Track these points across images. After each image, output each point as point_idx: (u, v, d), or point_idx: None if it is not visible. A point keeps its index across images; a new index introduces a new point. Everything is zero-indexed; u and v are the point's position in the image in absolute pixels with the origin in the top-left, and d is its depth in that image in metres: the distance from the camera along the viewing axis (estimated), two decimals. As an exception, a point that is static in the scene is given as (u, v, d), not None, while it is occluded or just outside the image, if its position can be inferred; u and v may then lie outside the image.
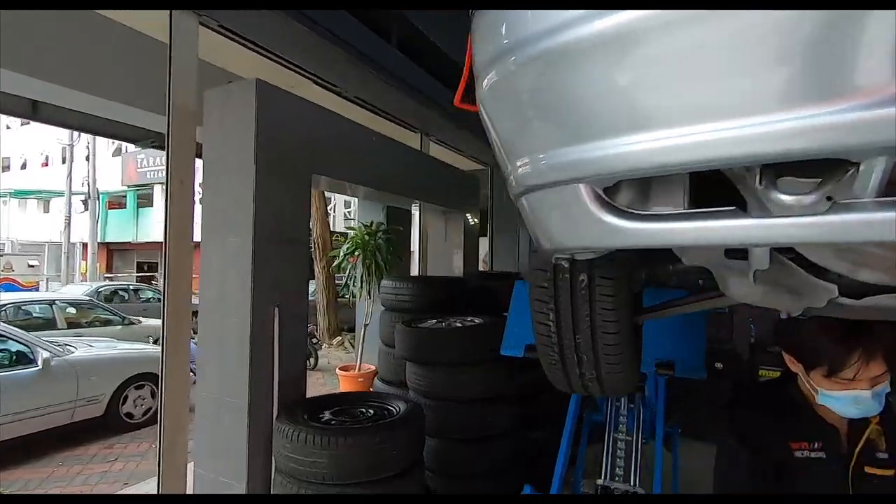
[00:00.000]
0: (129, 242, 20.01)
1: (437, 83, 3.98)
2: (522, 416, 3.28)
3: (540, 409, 3.75)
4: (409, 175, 3.77)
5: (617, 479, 2.66)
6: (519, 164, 0.73)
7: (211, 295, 2.38)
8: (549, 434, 3.93)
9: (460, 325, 3.05)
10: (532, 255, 1.15)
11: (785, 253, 0.67)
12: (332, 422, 2.19)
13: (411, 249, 7.58)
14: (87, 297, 10.25)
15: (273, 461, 2.26)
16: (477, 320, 3.16)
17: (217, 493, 2.28)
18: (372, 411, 2.32)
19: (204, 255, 2.44)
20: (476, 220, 6.83)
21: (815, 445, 1.24)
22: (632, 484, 2.61)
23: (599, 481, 2.63)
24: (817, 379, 1.17)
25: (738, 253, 0.73)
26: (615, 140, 0.55)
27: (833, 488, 1.23)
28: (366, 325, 6.66)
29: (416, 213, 7.75)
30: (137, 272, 19.61)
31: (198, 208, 2.48)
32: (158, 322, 7.87)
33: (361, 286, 6.51)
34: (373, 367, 6.81)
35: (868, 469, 1.24)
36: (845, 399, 1.14)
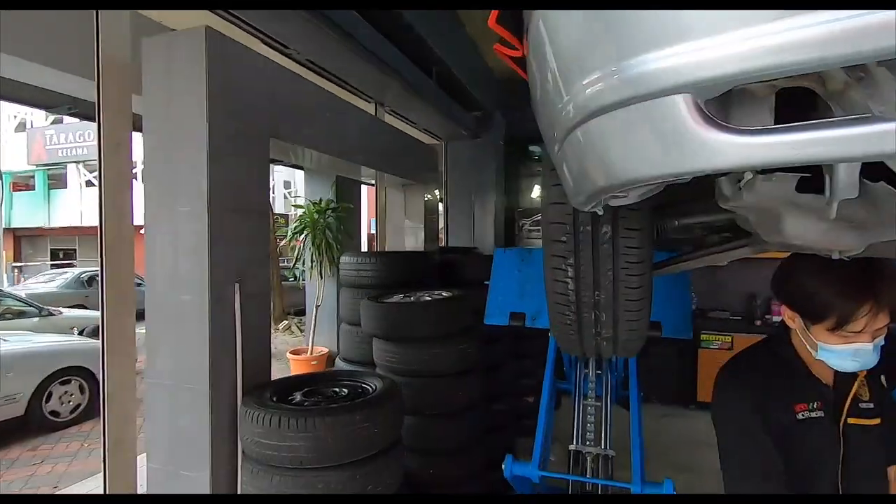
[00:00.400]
0: (41, 228, 18.14)
1: (395, 49, 3.78)
2: (492, 387, 3.27)
3: (505, 379, 3.78)
4: (371, 143, 3.59)
5: (588, 443, 2.71)
6: (586, 82, 0.63)
7: (160, 272, 2.13)
8: (515, 403, 3.98)
9: (430, 298, 2.96)
10: (549, 208, 1.07)
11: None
12: (306, 403, 2.04)
13: (361, 228, 7.37)
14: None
15: (239, 449, 2.09)
16: (445, 293, 3.08)
17: (200, 494, 2.08)
18: (346, 390, 2.19)
19: (149, 229, 2.18)
20: (433, 194, 6.71)
21: (815, 405, 1.24)
22: (603, 447, 2.66)
23: (572, 446, 2.66)
24: (819, 333, 1.15)
25: (807, 187, 0.69)
26: (738, 34, 0.47)
27: (830, 447, 1.25)
28: (317, 307, 6.43)
29: (365, 189, 7.49)
30: (52, 260, 17.87)
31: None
32: (84, 312, 7.26)
33: (312, 266, 6.26)
34: (326, 350, 6.61)
35: (853, 420, 1.26)
36: (844, 352, 1.13)
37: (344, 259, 3.50)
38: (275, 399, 2.05)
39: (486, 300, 3.51)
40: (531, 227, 6.04)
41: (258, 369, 2.25)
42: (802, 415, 1.23)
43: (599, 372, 3.06)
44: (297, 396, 2.12)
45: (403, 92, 4.21)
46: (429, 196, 6.34)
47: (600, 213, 0.97)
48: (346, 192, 6.62)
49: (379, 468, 1.94)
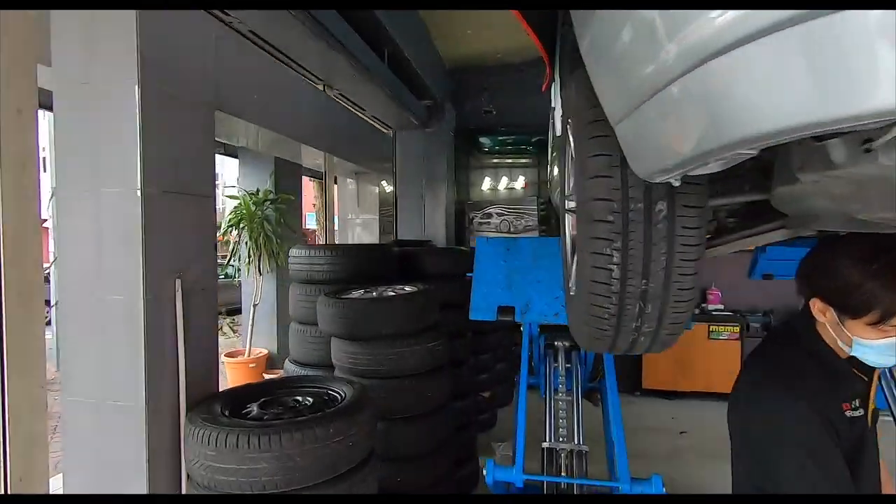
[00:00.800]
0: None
1: (346, 24, 3.49)
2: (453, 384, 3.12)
3: (465, 375, 3.65)
4: (326, 125, 3.28)
5: (561, 439, 2.63)
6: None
7: (78, 268, 1.76)
8: (473, 400, 3.86)
9: (394, 293, 2.74)
10: (591, 182, 0.92)
11: None
12: (266, 416, 1.77)
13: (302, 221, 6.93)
14: None
15: (184, 474, 1.78)
16: (408, 288, 2.87)
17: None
18: (310, 399, 1.93)
19: (63, 218, 1.80)
20: (384, 185, 6.41)
21: (857, 403, 1.17)
22: (576, 442, 2.60)
23: (545, 444, 2.57)
24: (856, 327, 1.07)
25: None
26: None
27: (867, 438, 1.20)
28: (255, 305, 5.96)
29: (306, 180, 7.06)
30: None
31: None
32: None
33: (249, 262, 5.79)
34: (265, 351, 6.16)
35: (871, 407, 1.22)
36: (883, 347, 1.05)
37: (294, 253, 3.18)
38: (228, 413, 1.76)
39: (452, 294, 3.35)
40: (481, 220, 5.95)
41: (204, 379, 1.94)
42: (850, 413, 1.16)
43: (569, 365, 3.00)
44: (254, 409, 1.83)
45: (354, 73, 3.93)
46: (378, 187, 6.05)
47: (676, 184, 0.83)
48: (286, 183, 6.19)
49: (354, 486, 1.72)
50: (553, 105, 1.65)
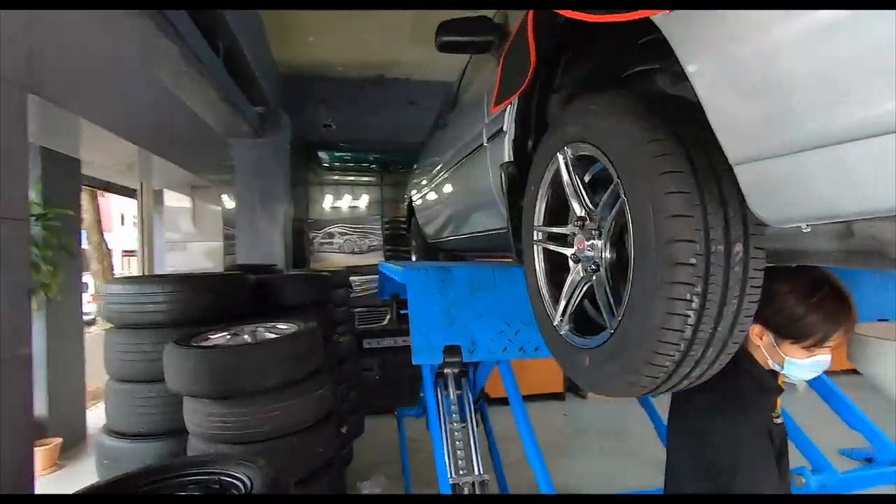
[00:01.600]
0: None
1: (183, 12, 2.86)
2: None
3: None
4: (164, 123, 2.57)
5: (461, 472, 2.53)
6: None
7: None
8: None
9: (274, 335, 2.27)
10: (669, 222, 0.84)
11: None
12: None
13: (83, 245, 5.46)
14: None
15: None
16: (283, 326, 2.43)
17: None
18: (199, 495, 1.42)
19: None
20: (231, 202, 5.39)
21: (778, 411, 1.36)
22: (476, 473, 2.53)
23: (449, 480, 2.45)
24: (791, 349, 1.23)
25: None
26: None
27: (784, 445, 1.39)
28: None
29: (85, 191, 5.57)
30: None
31: None
32: None
33: (5, 298, 4.29)
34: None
35: None
36: (809, 365, 1.24)
37: (113, 289, 2.40)
38: (72, 544, 1.17)
39: (320, 325, 2.96)
40: (323, 241, 5.53)
41: (16, 491, 1.27)
42: (776, 421, 1.34)
43: (460, 392, 2.91)
44: (113, 526, 1.26)
45: (184, 65, 3.25)
46: (221, 205, 5.02)
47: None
48: (58, 194, 4.79)
49: None
50: (504, 129, 1.55)
